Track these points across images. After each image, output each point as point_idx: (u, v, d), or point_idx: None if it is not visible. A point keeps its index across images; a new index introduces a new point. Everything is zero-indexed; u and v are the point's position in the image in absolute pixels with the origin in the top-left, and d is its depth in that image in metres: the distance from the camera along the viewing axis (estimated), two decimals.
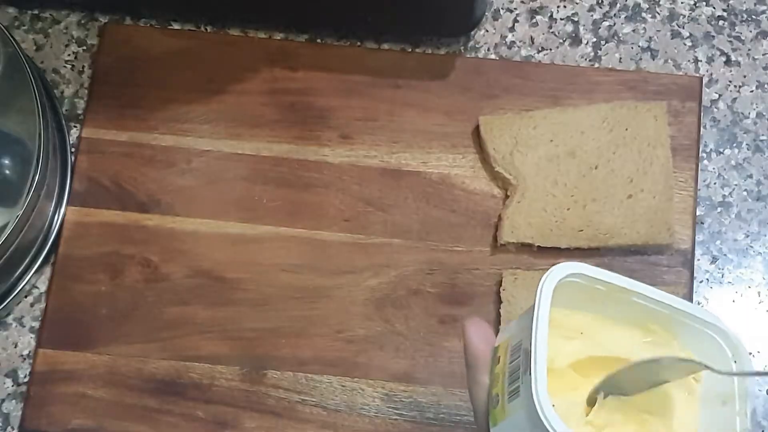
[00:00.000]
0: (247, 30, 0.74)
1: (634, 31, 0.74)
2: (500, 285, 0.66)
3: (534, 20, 0.74)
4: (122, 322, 0.67)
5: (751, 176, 0.71)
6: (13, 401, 0.66)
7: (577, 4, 0.74)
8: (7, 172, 0.64)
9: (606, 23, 0.74)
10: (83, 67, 0.73)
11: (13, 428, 0.66)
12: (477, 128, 0.70)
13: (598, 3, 0.74)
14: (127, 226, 0.69)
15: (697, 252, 0.68)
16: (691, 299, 0.67)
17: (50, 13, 0.75)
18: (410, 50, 0.73)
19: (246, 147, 0.70)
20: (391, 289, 0.67)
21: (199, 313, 0.67)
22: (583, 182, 0.68)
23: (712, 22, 0.74)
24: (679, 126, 0.70)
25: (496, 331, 0.48)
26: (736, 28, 0.74)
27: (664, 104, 0.69)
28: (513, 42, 0.74)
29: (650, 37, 0.73)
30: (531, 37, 0.74)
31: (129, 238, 0.69)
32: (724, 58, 0.73)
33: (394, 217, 0.69)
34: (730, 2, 0.74)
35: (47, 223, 0.68)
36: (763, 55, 0.73)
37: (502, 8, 0.74)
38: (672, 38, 0.73)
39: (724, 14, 0.74)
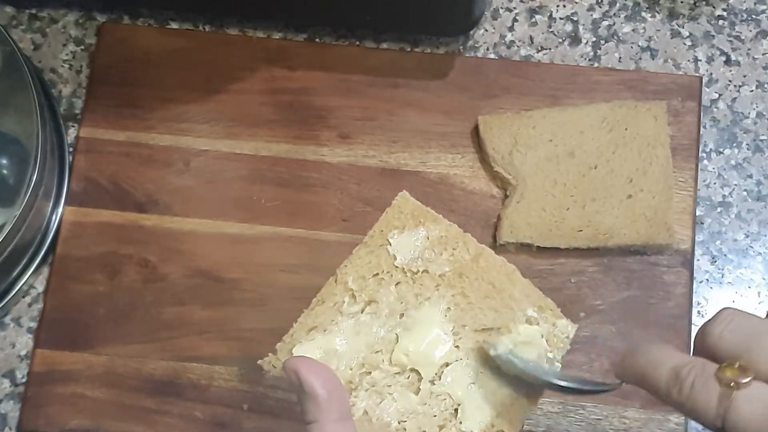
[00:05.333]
0: (246, 29, 0.74)
1: (633, 30, 0.73)
2: None
3: (533, 20, 0.74)
4: (120, 323, 0.67)
5: (751, 176, 0.70)
6: (11, 402, 0.66)
7: (576, 3, 0.74)
8: (5, 171, 0.63)
9: (605, 23, 0.74)
10: (81, 66, 0.73)
11: (10, 429, 0.65)
12: (476, 128, 0.70)
13: (597, 2, 0.74)
14: (125, 226, 0.69)
15: (697, 252, 0.68)
16: (691, 299, 0.67)
17: (48, 12, 0.74)
18: (409, 50, 0.73)
19: (244, 147, 0.70)
20: None
21: (197, 313, 0.67)
22: (583, 182, 0.67)
23: (712, 22, 0.74)
24: (679, 126, 0.70)
25: None
26: (736, 27, 0.73)
27: (664, 104, 0.69)
28: (512, 41, 0.73)
29: (650, 37, 0.73)
30: (530, 36, 0.74)
31: (127, 238, 0.68)
32: (723, 58, 0.73)
33: None
34: (730, 2, 0.74)
35: (45, 223, 0.68)
36: (763, 54, 0.73)
37: (502, 7, 0.74)
38: (672, 38, 0.73)
39: (724, 14, 0.74)
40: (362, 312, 0.48)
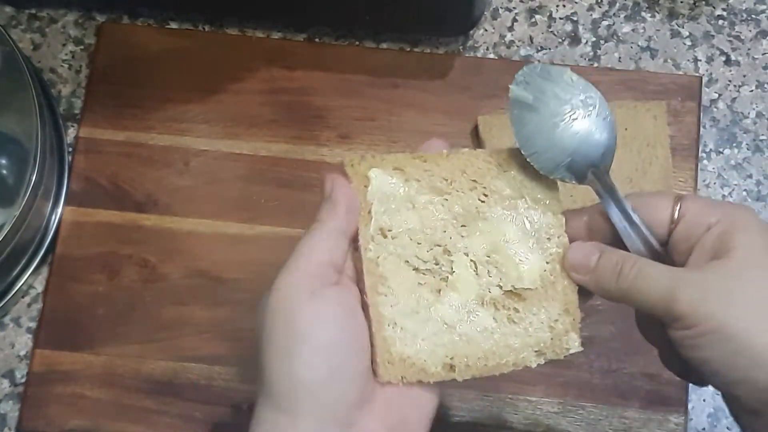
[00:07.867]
0: (245, 29, 0.74)
1: (633, 30, 0.73)
2: None
3: (533, 19, 0.74)
4: (120, 323, 0.67)
5: (750, 176, 0.70)
6: (10, 402, 0.66)
7: (576, 3, 0.74)
8: (4, 171, 0.63)
9: (605, 22, 0.74)
10: (81, 66, 0.73)
11: (10, 429, 0.65)
12: (476, 128, 0.70)
13: (597, 2, 0.74)
14: (125, 226, 0.69)
15: None
16: None
17: (48, 12, 0.74)
18: (409, 50, 0.73)
19: (244, 147, 0.70)
20: None
21: (196, 313, 0.67)
22: None
23: (712, 22, 0.74)
24: (679, 126, 0.70)
25: None
26: (736, 27, 0.73)
27: (664, 104, 0.69)
28: (512, 41, 0.73)
29: (650, 37, 0.73)
30: (530, 36, 0.74)
31: (126, 238, 0.68)
32: (723, 58, 0.73)
33: None
34: (730, 2, 0.74)
35: (44, 223, 0.68)
36: (762, 54, 0.73)
37: (501, 7, 0.74)
38: (671, 38, 0.73)
39: (724, 14, 0.74)
40: (438, 196, 0.49)
